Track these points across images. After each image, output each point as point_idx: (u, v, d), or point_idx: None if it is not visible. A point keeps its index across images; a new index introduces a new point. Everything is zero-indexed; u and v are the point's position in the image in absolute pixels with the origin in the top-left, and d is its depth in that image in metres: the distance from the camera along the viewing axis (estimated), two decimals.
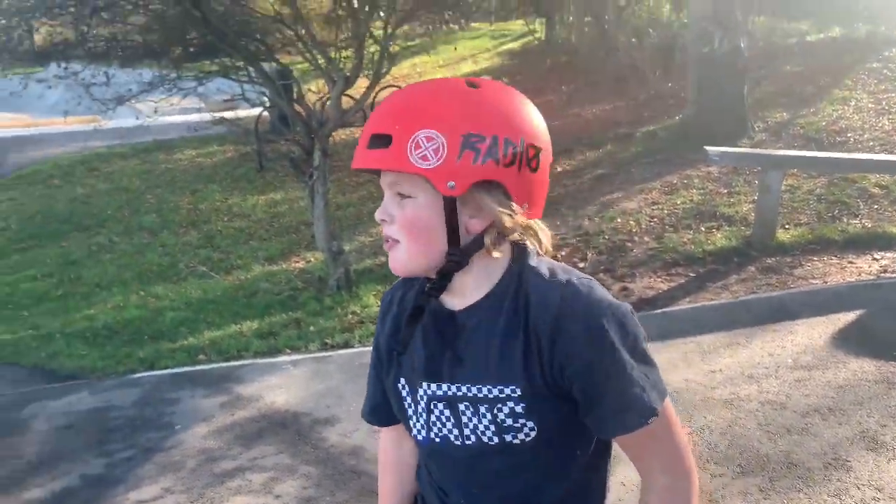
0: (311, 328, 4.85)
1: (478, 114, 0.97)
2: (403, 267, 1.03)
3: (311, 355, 4.43)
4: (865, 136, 7.33)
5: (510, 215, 0.99)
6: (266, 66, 5.79)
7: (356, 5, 5.35)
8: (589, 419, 1.03)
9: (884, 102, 8.11)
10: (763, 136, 7.73)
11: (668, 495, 1.04)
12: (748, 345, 3.90)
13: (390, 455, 1.28)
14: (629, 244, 5.68)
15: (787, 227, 5.63)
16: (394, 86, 12.06)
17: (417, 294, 1.11)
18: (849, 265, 4.95)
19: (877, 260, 4.98)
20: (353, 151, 1.02)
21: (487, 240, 1.00)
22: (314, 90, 6.52)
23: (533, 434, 1.02)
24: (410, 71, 17.11)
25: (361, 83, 5.73)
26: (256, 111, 9.36)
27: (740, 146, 7.38)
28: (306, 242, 7.05)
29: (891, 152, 6.84)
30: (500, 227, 1.00)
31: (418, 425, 1.10)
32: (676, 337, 4.03)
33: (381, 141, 0.97)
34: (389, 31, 5.41)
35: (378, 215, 1.02)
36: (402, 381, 1.12)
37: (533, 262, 1.04)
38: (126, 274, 6.70)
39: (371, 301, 5.23)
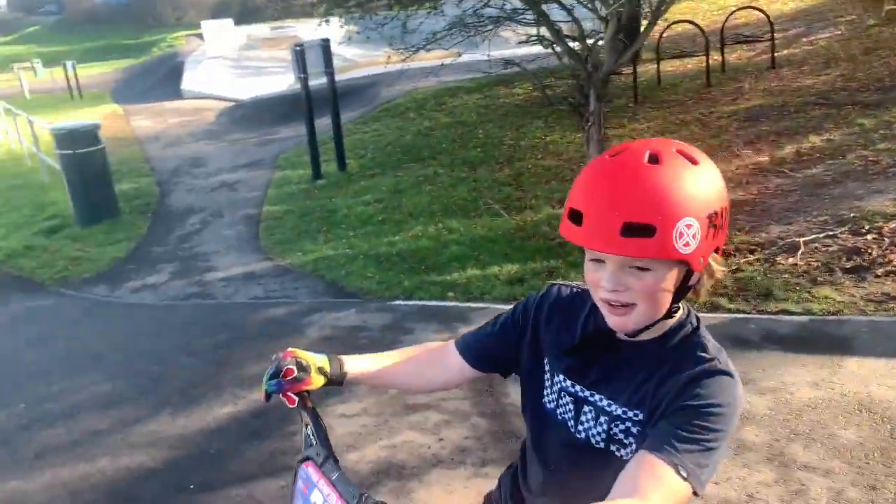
0: (561, 279, 4.86)
1: (712, 192, 1.07)
2: (636, 326, 1.13)
3: None
4: None
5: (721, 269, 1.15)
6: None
7: None
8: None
9: None
10: None
11: None
12: None
13: (448, 354, 1.41)
14: None
15: None
16: (683, 20, 10.76)
17: (596, 317, 1.22)
18: None
19: None
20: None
21: (698, 288, 1.15)
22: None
23: (630, 456, 1.11)
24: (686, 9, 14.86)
25: None
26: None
27: None
28: None
29: None
30: (714, 280, 1.14)
31: (551, 396, 1.27)
32: None
33: (636, 230, 1.02)
34: None
35: (610, 285, 1.09)
36: (547, 359, 1.29)
37: (703, 333, 1.16)
38: (435, 206, 7.44)
39: None
